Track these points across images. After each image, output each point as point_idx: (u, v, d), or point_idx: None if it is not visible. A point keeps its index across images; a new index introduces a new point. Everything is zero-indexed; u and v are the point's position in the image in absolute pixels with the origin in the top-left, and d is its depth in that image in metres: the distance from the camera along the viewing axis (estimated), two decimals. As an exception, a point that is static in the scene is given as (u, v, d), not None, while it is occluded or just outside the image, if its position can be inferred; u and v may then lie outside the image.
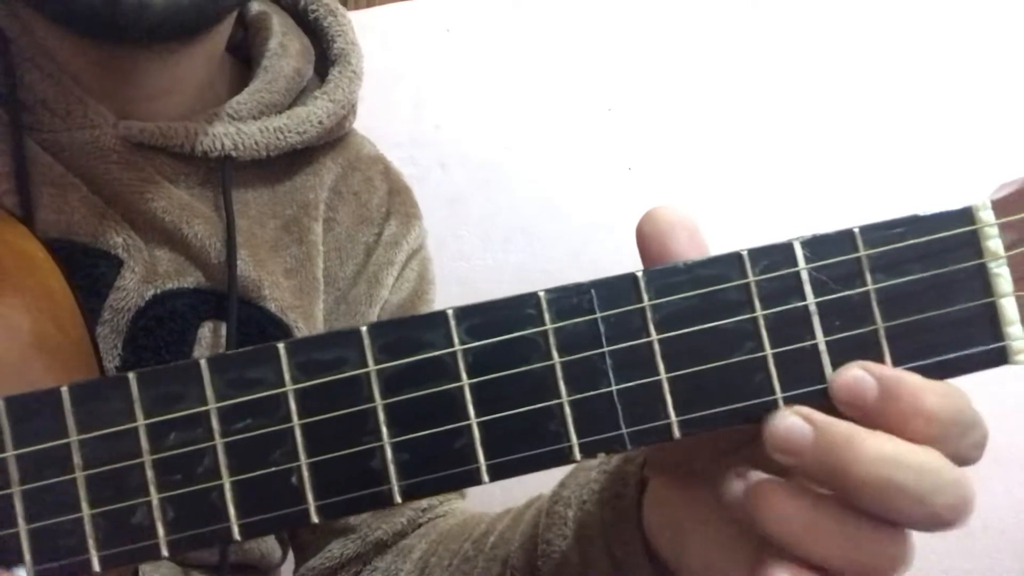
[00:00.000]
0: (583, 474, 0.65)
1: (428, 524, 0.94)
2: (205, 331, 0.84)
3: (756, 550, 0.48)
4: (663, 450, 0.55)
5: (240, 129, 0.88)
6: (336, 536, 0.94)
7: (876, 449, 0.41)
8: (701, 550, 0.52)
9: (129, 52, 0.81)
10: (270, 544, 0.93)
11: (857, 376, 0.43)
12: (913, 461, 0.41)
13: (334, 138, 1.00)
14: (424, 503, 0.94)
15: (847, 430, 0.42)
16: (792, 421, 0.43)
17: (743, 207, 1.45)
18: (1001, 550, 1.35)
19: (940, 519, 0.42)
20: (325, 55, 1.01)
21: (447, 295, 1.15)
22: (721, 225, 1.43)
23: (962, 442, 0.43)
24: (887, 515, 0.42)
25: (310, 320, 0.91)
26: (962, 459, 0.43)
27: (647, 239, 0.48)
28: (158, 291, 0.82)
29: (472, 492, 0.62)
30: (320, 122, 0.94)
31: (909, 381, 0.43)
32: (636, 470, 0.59)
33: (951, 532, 1.20)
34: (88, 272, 0.79)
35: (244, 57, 1.00)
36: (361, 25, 1.15)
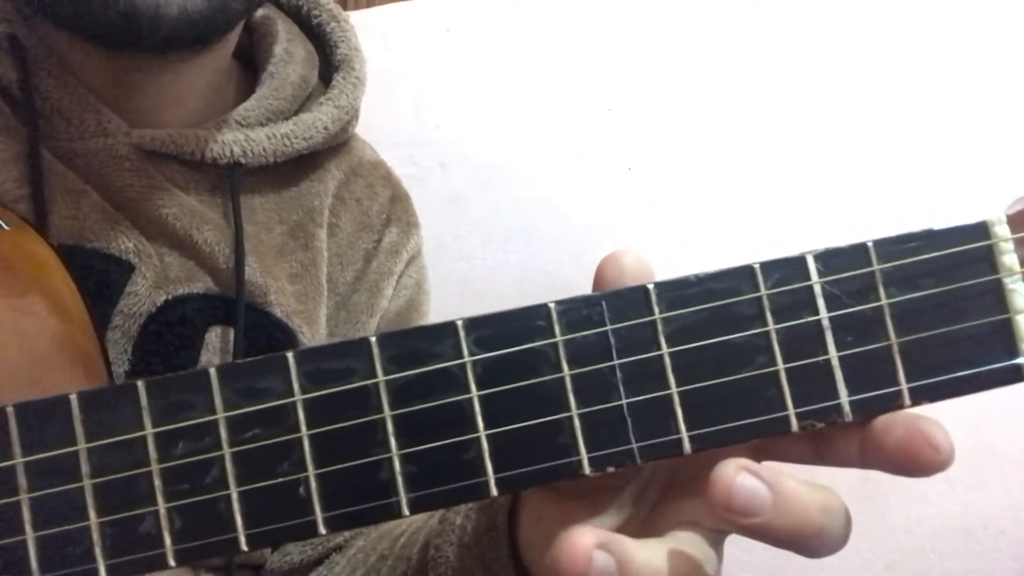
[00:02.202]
0: None
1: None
2: (212, 336, 0.85)
3: None
4: None
5: (248, 136, 0.89)
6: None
7: (821, 502, 0.43)
8: None
9: (142, 62, 0.83)
10: None
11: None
12: (840, 509, 0.44)
13: (337, 143, 1.01)
14: None
15: (796, 487, 0.43)
16: (749, 481, 0.42)
17: (743, 207, 1.44)
18: (1001, 550, 1.36)
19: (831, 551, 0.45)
20: (328, 60, 1.02)
21: (447, 295, 1.15)
22: (721, 225, 1.44)
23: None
24: (795, 549, 0.44)
25: (314, 325, 0.92)
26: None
27: (605, 283, 0.48)
28: (169, 296, 0.83)
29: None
30: (326, 128, 0.95)
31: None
32: None
33: (951, 532, 1.19)
34: (100, 277, 0.80)
35: (250, 63, 1.01)
36: (361, 25, 1.14)
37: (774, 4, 1.48)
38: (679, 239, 1.42)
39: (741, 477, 0.42)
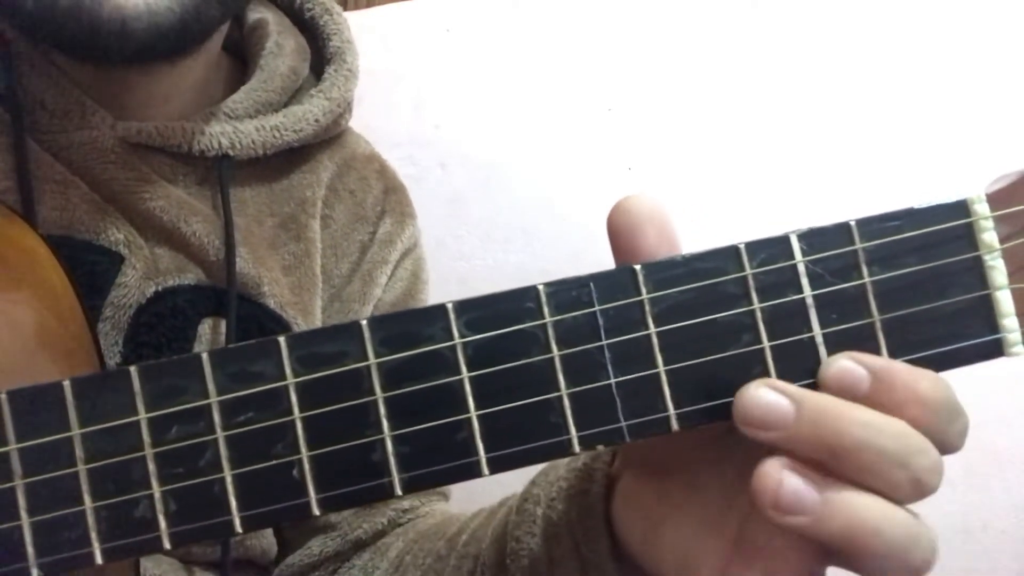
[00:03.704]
0: (553, 471, 0.65)
1: (408, 524, 0.94)
2: (205, 327, 0.84)
3: (732, 540, 0.49)
4: (637, 444, 0.55)
5: (237, 128, 0.88)
6: (317, 533, 0.94)
7: (857, 416, 0.42)
8: (676, 542, 0.52)
9: (118, 68, 0.82)
10: (270, 539, 0.94)
11: (845, 367, 0.43)
12: (889, 427, 0.42)
13: (330, 136, 1.01)
14: (406, 504, 0.95)
15: (826, 399, 0.43)
16: (768, 395, 0.43)
17: (743, 206, 1.45)
18: (1001, 550, 1.35)
19: (921, 484, 0.43)
20: (321, 53, 1.02)
21: (447, 295, 1.14)
22: (721, 224, 1.44)
23: (951, 428, 0.44)
24: (874, 482, 0.43)
25: (309, 316, 0.92)
26: (948, 445, 0.44)
27: (617, 232, 0.49)
28: (160, 288, 0.82)
29: (462, 489, 0.62)
30: (316, 120, 0.94)
31: (901, 369, 0.43)
32: (603, 466, 0.59)
33: (951, 532, 1.19)
34: (90, 269, 0.79)
35: (240, 56, 1.01)
36: (361, 25, 1.14)
37: (774, 4, 1.48)
38: (679, 239, 1.41)
39: (762, 391, 0.43)
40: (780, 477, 0.42)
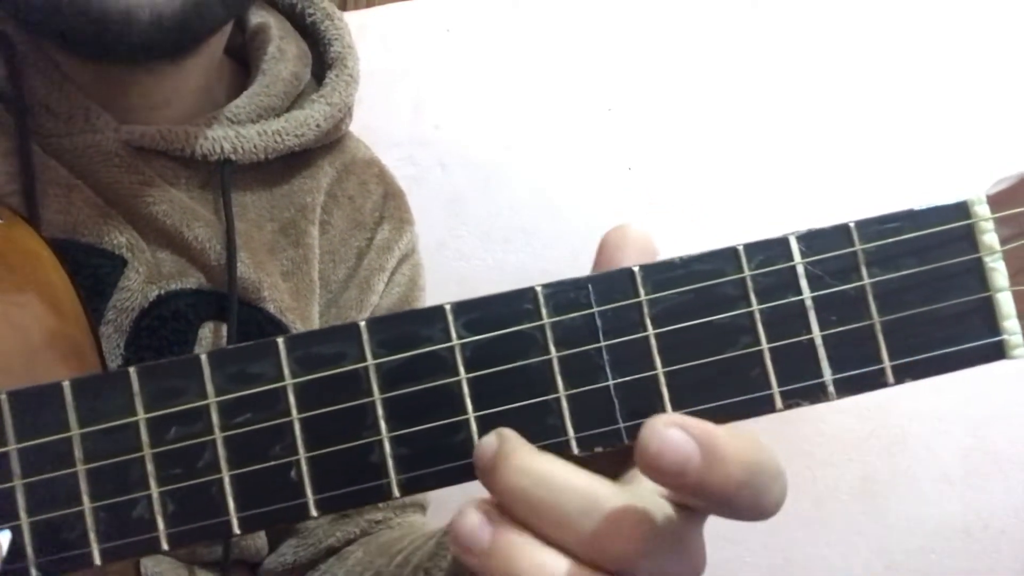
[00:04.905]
0: None
1: (375, 534, 0.94)
2: (206, 331, 0.84)
3: None
4: None
5: (239, 132, 0.89)
6: (291, 536, 0.94)
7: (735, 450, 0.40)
8: None
9: (122, 69, 0.83)
10: (263, 539, 0.94)
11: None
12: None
13: (330, 140, 1.01)
14: (379, 515, 0.94)
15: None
16: (672, 434, 0.39)
17: (743, 206, 1.45)
18: (1001, 550, 1.35)
19: (594, 545, 0.41)
20: (322, 58, 1.02)
21: (446, 295, 1.14)
22: (720, 224, 1.44)
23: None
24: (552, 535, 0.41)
25: (307, 321, 0.92)
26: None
27: (606, 249, 0.48)
28: (162, 291, 0.83)
29: (460, 491, 0.61)
30: (317, 125, 0.94)
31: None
32: None
33: (951, 532, 1.19)
34: (92, 272, 0.80)
35: (243, 61, 1.01)
36: (361, 25, 1.15)
37: (774, 4, 1.48)
38: (679, 239, 1.43)
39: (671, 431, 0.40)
40: (465, 513, 0.42)
